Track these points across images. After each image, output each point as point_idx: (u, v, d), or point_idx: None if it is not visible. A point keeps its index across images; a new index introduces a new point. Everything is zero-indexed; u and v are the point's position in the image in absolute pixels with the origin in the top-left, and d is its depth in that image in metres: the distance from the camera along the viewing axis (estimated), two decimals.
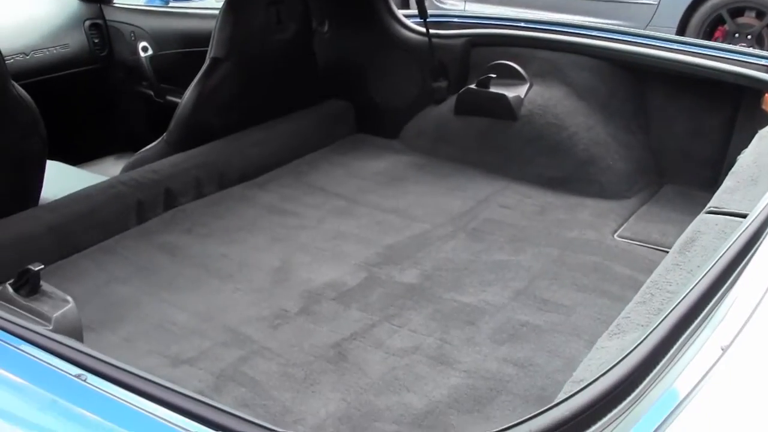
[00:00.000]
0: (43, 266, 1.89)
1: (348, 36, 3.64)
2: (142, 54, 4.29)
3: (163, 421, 1.20)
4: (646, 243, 2.68)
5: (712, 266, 1.54)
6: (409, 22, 3.49)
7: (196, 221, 2.92)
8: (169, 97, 4.15)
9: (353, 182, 3.20)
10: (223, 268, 2.62)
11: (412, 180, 3.20)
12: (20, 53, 4.15)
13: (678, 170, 3.07)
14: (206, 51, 3.30)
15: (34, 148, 2.80)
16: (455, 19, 3.50)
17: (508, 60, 3.25)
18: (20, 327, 1.50)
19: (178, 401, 1.23)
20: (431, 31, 3.37)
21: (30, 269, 1.87)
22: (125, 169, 3.37)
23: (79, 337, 1.85)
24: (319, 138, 3.51)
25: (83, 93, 4.38)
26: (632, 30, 3.16)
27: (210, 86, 3.24)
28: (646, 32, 3.12)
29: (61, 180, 3.15)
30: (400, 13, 3.52)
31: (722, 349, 1.24)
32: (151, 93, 4.25)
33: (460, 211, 2.93)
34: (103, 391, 1.22)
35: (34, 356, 1.40)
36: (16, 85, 2.70)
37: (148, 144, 3.44)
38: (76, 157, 3.93)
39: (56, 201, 2.78)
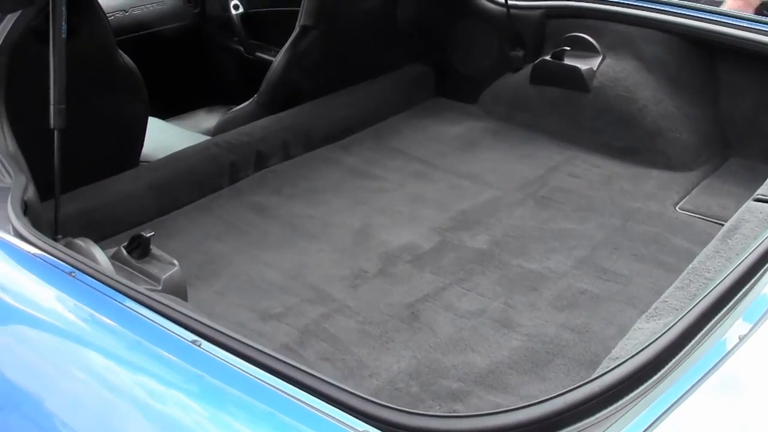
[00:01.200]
0: (153, 233, 2.14)
1: (430, 3, 3.79)
2: (233, 11, 4.52)
3: (276, 389, 1.39)
4: (706, 216, 2.82)
5: (749, 254, 1.68)
6: None
7: (285, 182, 3.16)
8: (259, 54, 4.39)
9: (432, 146, 3.40)
10: (309, 229, 2.86)
11: (487, 145, 3.38)
12: (120, 10, 4.42)
13: (745, 144, 3.18)
14: (293, 11, 3.50)
15: (138, 112, 3.05)
16: None
17: (582, 32, 3.37)
18: (132, 289, 1.65)
19: (283, 368, 1.42)
20: (510, 1, 3.50)
21: (142, 235, 2.13)
22: (218, 127, 3.64)
23: (184, 296, 2.11)
24: (400, 101, 3.71)
25: (177, 48, 4.64)
26: (705, 6, 3.23)
27: (299, 52, 3.46)
28: (719, 9, 3.21)
29: (156, 135, 3.42)
30: None
31: (739, 338, 1.41)
32: (242, 49, 4.48)
33: (531, 178, 3.11)
34: (217, 357, 1.45)
35: (146, 317, 1.57)
36: (122, 53, 2.93)
37: (239, 97, 3.69)
38: (170, 110, 4.21)
39: (157, 161, 3.04)
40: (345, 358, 2.25)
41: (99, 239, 2.72)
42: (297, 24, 3.48)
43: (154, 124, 3.76)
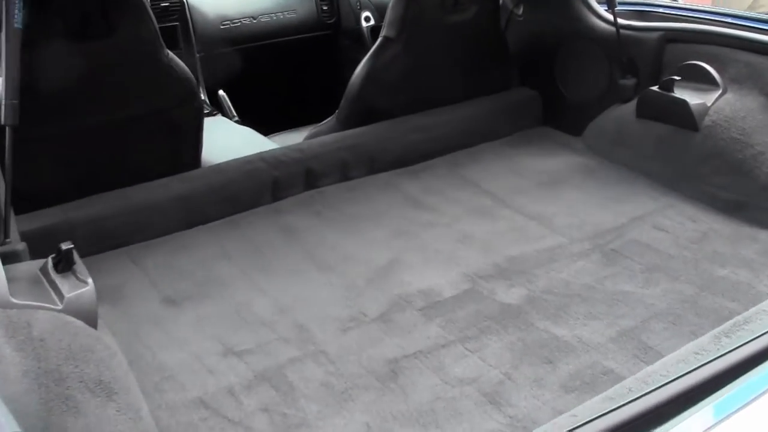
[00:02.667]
0: (72, 245, 1.90)
1: (540, 20, 3.35)
2: (364, 24, 4.29)
3: None
4: None
5: None
6: (601, 10, 3.13)
7: (330, 204, 2.85)
8: None
9: (511, 180, 2.95)
10: (328, 258, 2.52)
11: (575, 185, 2.89)
12: (249, 17, 4.32)
13: None
14: None
15: (187, 117, 2.87)
16: (653, 9, 3.08)
17: (705, 60, 2.80)
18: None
19: None
20: (623, 22, 3.00)
21: (61, 247, 1.89)
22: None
23: (92, 319, 1.84)
24: (496, 128, 3.28)
25: (308, 59, 4.47)
26: None
27: (379, 66, 3.14)
28: None
29: (246, 147, 3.22)
30: None
31: None
32: None
33: (608, 227, 2.59)
34: None
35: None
36: (172, 57, 2.76)
37: None
38: (294, 122, 4.02)
39: (192, 172, 2.83)
40: (288, 412, 1.90)
41: (111, 248, 2.60)
42: (380, 34, 3.16)
43: (246, 135, 3.62)
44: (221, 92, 4.14)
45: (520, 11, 3.37)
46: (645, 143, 2.89)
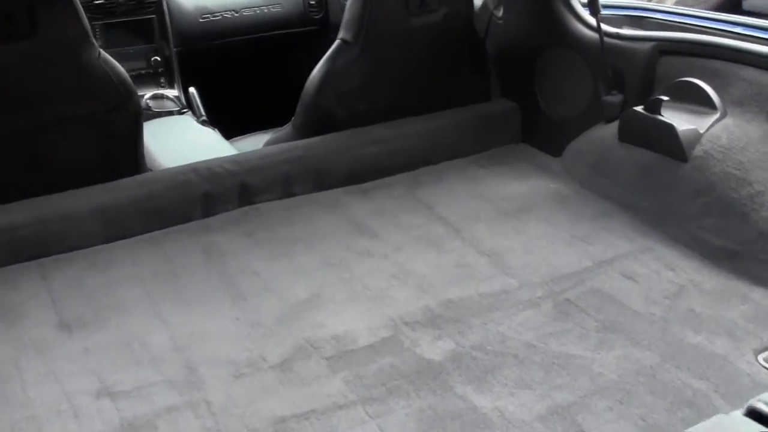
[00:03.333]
0: None
1: (520, 24, 2.96)
2: None
3: None
4: None
5: None
6: (587, 14, 2.73)
7: (264, 224, 2.52)
8: None
9: (471, 205, 2.58)
10: (246, 288, 2.19)
11: (542, 216, 2.50)
12: (231, 10, 4.01)
13: None
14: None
15: (121, 123, 2.60)
16: (647, 14, 2.67)
17: (704, 76, 2.40)
18: None
19: None
20: (609, 29, 2.60)
21: None
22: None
23: None
24: (465, 143, 2.90)
25: (294, 56, 4.15)
26: None
27: (335, 71, 2.80)
28: None
29: (201, 151, 2.91)
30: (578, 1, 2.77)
31: None
32: None
33: (569, 270, 2.20)
34: None
35: None
36: (105, 58, 2.54)
37: None
38: (274, 122, 3.73)
39: (116, 182, 2.53)
40: None
41: (25, 259, 2.36)
42: (337, 36, 2.82)
43: (211, 138, 3.31)
44: (192, 89, 3.82)
45: (500, 13, 2.98)
46: (626, 172, 2.49)
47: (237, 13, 4.03)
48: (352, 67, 2.79)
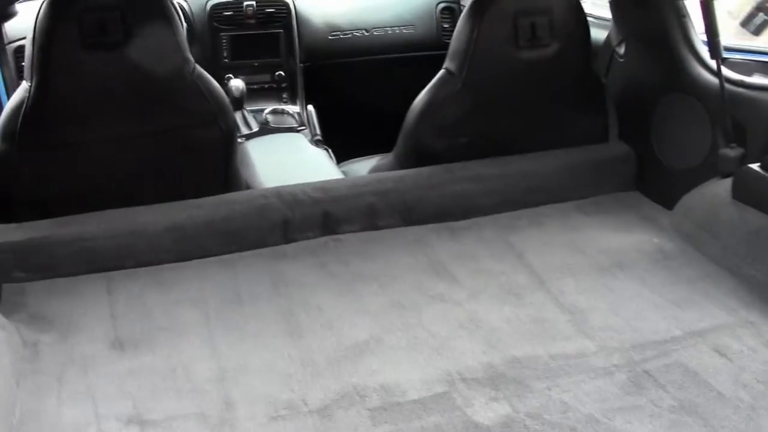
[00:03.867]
0: None
1: (642, 64, 2.75)
2: None
3: None
4: None
5: None
6: (707, 57, 2.49)
7: (340, 256, 2.43)
8: None
9: (564, 256, 2.39)
10: (305, 323, 2.12)
11: (638, 274, 2.28)
12: (361, 29, 3.99)
13: None
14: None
15: (210, 140, 2.60)
16: None
17: None
18: None
19: None
20: (734, 76, 2.37)
21: None
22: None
23: None
24: (571, 188, 2.71)
25: (422, 79, 4.07)
26: None
27: (436, 102, 2.70)
28: None
29: (303, 173, 2.89)
30: (700, 39, 2.54)
31: None
32: None
33: (656, 338, 1.99)
34: None
35: None
36: (199, 72, 2.56)
37: None
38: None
39: (195, 201, 2.52)
40: None
41: (96, 270, 2.38)
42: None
43: (315, 162, 3.28)
44: (310, 107, 3.81)
45: (622, 51, 2.78)
46: (736, 234, 2.24)
47: (368, 32, 4.00)
48: (454, 98, 2.67)
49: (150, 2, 2.44)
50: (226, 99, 2.64)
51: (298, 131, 3.69)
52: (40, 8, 2.37)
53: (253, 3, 3.86)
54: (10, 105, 2.46)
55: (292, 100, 3.90)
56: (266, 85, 3.89)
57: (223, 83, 3.66)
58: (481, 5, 2.61)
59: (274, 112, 3.79)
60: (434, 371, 1.90)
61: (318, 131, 3.72)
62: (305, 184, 2.60)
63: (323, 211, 2.52)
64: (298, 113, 3.81)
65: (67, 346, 2.05)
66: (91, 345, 2.05)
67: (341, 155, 3.51)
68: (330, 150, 3.54)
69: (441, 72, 2.72)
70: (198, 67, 2.57)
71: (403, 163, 2.82)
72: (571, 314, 2.12)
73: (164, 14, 2.44)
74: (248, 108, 3.75)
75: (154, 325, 2.13)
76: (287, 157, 3.38)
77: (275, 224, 2.49)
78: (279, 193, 2.54)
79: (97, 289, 2.29)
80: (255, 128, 3.64)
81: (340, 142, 3.60)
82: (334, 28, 3.98)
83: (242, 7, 3.84)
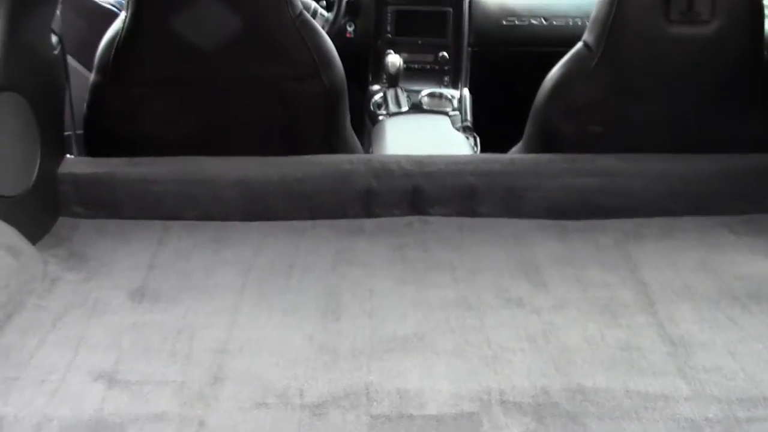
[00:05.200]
0: None
1: None
2: None
3: None
4: None
5: None
6: None
7: (423, 240, 2.10)
8: None
9: (691, 276, 1.91)
10: (348, 307, 1.80)
11: (766, 310, 1.78)
12: (540, 17, 3.61)
13: None
14: None
15: (312, 93, 2.38)
16: None
17: None
18: None
19: None
20: None
21: None
22: None
23: None
24: (722, 199, 2.20)
25: None
26: None
27: (568, 78, 2.31)
28: None
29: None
30: None
31: None
32: None
33: (764, 394, 1.51)
34: None
35: None
36: (306, 21, 2.36)
37: None
38: None
39: (272, 158, 2.27)
40: None
41: (154, 217, 2.21)
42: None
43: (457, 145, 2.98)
44: (465, 91, 3.48)
45: None
46: None
47: (546, 21, 3.61)
48: (588, 76, 2.26)
49: None
50: (333, 52, 2.39)
51: (448, 115, 3.38)
52: None
53: None
54: (107, 36, 2.34)
55: (454, 84, 3.59)
56: (428, 66, 3.60)
57: (383, 58, 3.45)
58: None
59: (431, 95, 3.50)
60: (471, 385, 1.53)
61: (469, 117, 3.38)
62: (400, 155, 2.28)
63: (414, 187, 2.18)
64: (458, 99, 3.50)
65: (86, 287, 1.87)
66: (110, 291, 1.86)
67: (490, 146, 3.16)
68: (478, 138, 3.20)
69: (578, 44, 2.32)
70: (305, 13, 2.34)
71: (527, 147, 2.45)
72: (673, 346, 1.65)
73: None
74: (405, 87, 3.50)
75: (187, 282, 1.90)
76: (423, 138, 3.08)
77: (357, 194, 2.19)
78: (368, 160, 2.25)
79: (150, 236, 2.10)
80: (405, 108, 3.37)
81: (492, 132, 3.24)
82: (510, 13, 3.62)
83: None
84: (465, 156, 2.42)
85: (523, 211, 2.19)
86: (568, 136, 2.32)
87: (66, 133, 2.35)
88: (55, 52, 2.15)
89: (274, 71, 2.34)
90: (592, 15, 2.29)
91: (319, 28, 2.40)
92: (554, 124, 2.34)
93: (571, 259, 2.01)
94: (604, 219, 2.17)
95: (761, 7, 2.22)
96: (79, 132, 2.47)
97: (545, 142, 2.36)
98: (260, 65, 2.34)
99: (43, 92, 2.08)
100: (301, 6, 2.33)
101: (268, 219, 2.18)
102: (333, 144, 2.46)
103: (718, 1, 2.17)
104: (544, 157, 2.26)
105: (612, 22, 2.19)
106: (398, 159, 2.24)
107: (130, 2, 2.26)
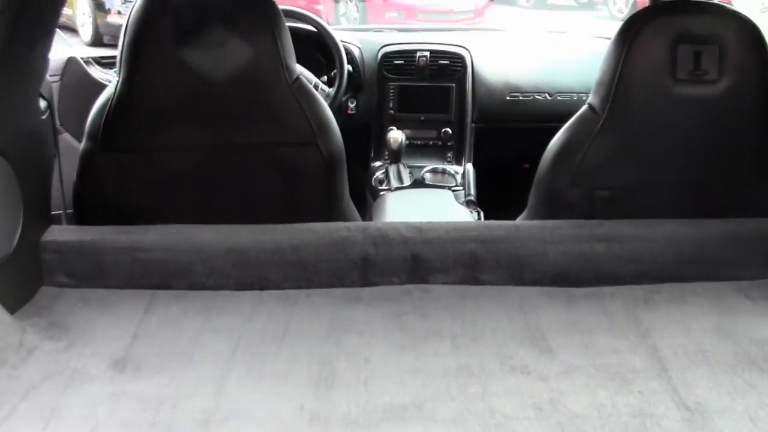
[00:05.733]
0: None
1: None
2: None
3: None
4: None
5: None
6: None
7: (422, 308, 2.00)
8: None
9: (706, 341, 1.80)
10: (342, 376, 1.69)
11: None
12: (544, 92, 3.61)
13: None
14: None
15: (309, 160, 2.34)
16: None
17: None
18: None
19: None
20: None
21: None
22: None
23: None
24: (734, 264, 2.10)
25: None
26: None
27: (574, 142, 2.24)
28: None
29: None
30: None
31: None
32: None
33: None
34: None
35: None
36: (303, 86, 2.32)
37: None
38: None
39: (266, 225, 2.19)
40: None
41: (141, 287, 2.11)
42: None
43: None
44: (469, 165, 3.44)
45: None
46: None
47: (550, 96, 3.61)
48: (593, 140, 2.19)
49: (252, 2, 2.21)
50: (331, 119, 2.35)
51: (452, 190, 3.33)
52: (134, 3, 2.21)
53: (427, 54, 3.60)
54: (98, 102, 2.31)
55: (457, 160, 3.55)
56: (431, 142, 3.58)
57: (385, 134, 3.42)
58: (631, 26, 2.14)
59: (434, 171, 3.47)
60: None
61: (472, 191, 3.33)
62: (399, 222, 2.21)
63: (413, 254, 2.09)
64: (461, 174, 3.45)
65: (65, 357, 1.76)
66: (90, 360, 1.75)
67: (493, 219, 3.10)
68: (482, 213, 3.14)
69: (583, 108, 2.26)
70: (302, 79, 2.30)
71: (533, 215, 2.37)
72: (689, 412, 1.54)
73: (271, 15, 2.21)
74: (408, 163, 3.46)
75: (173, 350, 1.80)
76: (425, 210, 3.03)
77: (354, 262, 2.10)
78: (366, 227, 2.17)
79: (136, 306, 2.00)
80: (407, 183, 3.33)
81: (497, 207, 3.18)
82: (513, 89, 3.62)
83: (415, 56, 3.59)
84: (467, 222, 2.35)
85: (529, 278, 2.10)
86: (573, 201, 2.25)
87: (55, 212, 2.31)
88: (43, 117, 2.11)
89: (272, 137, 2.29)
90: (597, 77, 2.24)
91: (317, 94, 2.36)
92: (560, 189, 2.27)
93: (579, 325, 1.91)
94: (613, 286, 2.07)
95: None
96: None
97: (550, 208, 2.29)
98: (257, 131, 2.29)
99: (29, 157, 2.02)
100: (298, 72, 2.29)
101: (262, 288, 2.09)
102: (331, 214, 2.40)
103: (727, 59, 2.12)
104: (550, 223, 2.17)
105: (617, 83, 2.14)
106: (397, 226, 2.16)
107: (122, 67, 2.23)
